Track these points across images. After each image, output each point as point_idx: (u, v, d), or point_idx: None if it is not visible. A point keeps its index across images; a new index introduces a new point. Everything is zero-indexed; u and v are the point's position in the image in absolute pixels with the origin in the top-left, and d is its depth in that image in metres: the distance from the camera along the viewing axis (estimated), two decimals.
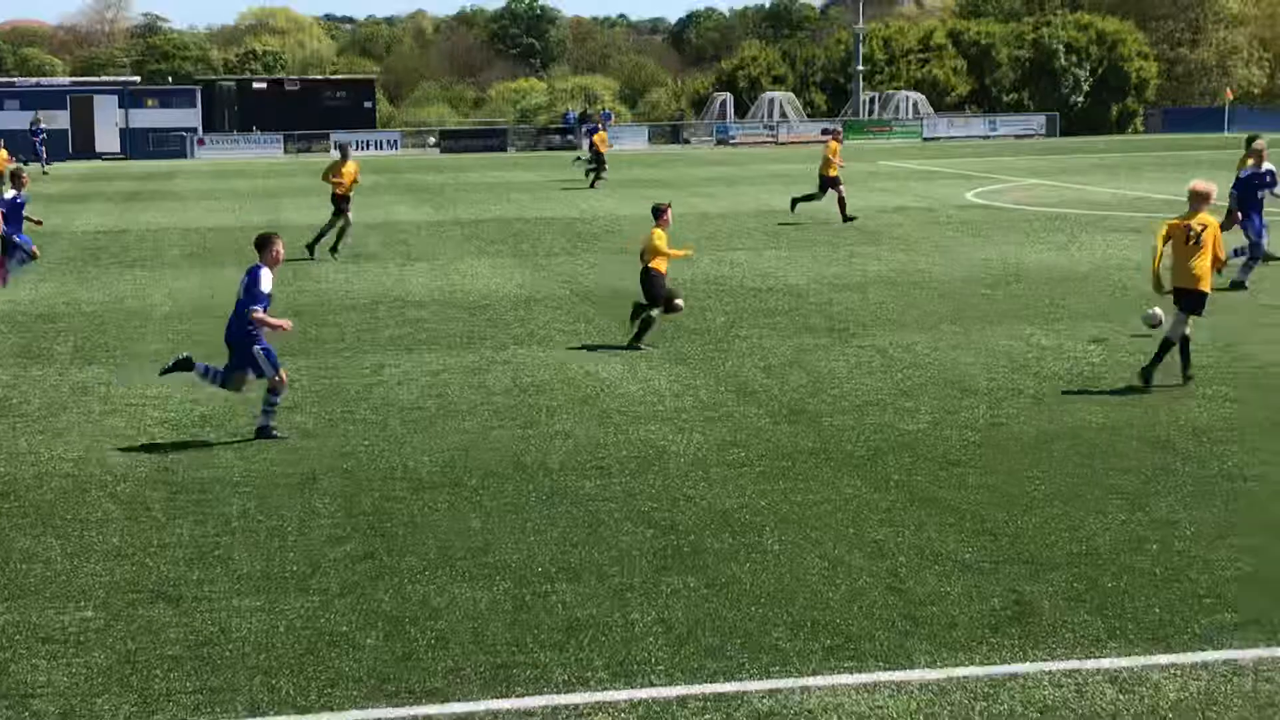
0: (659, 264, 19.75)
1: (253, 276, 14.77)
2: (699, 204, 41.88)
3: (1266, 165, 25.17)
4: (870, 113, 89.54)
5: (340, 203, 30.65)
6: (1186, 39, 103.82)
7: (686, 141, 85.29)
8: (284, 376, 15.04)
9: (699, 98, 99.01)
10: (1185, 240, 16.82)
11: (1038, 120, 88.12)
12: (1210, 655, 9.21)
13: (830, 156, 35.83)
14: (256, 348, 14.81)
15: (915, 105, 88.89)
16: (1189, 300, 16.77)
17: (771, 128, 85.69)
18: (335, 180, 30.73)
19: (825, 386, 17.07)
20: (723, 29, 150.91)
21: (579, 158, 62.29)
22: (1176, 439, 14.40)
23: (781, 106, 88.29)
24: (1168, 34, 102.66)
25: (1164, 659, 9.15)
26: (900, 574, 10.69)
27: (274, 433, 14.99)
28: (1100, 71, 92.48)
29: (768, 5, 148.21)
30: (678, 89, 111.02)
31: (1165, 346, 16.85)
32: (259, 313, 14.69)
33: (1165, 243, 16.91)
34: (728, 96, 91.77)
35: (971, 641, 9.46)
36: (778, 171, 55.56)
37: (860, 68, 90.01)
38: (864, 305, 23.11)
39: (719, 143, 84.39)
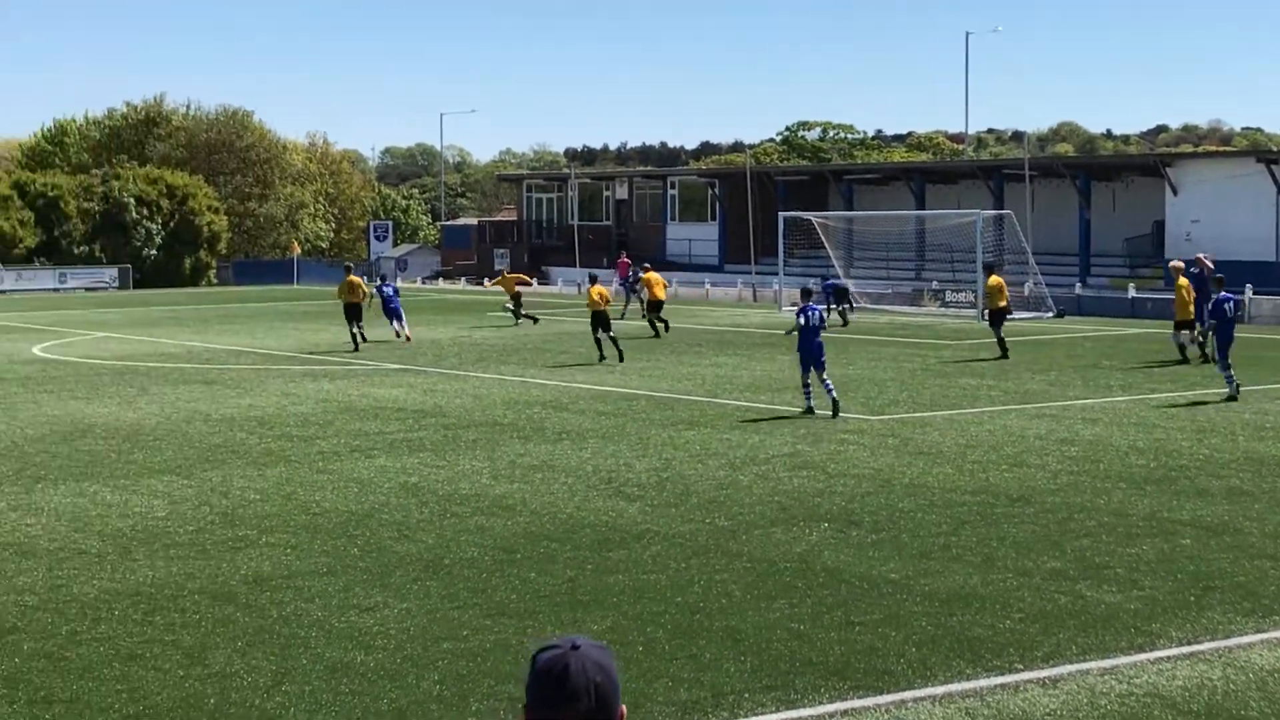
0: None
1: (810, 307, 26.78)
2: None
3: None
4: None
5: None
6: (256, 193, 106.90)
7: None
8: None
9: None
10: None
11: (110, 273, 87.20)
12: None
13: None
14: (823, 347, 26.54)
15: None
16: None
17: None
18: None
19: None
20: None
21: None
22: (239, 590, 14.63)
23: None
24: (236, 188, 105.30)
25: None
26: None
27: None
28: (172, 225, 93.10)
29: None
30: None
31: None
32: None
33: None
34: None
35: None
36: None
37: None
38: None
39: None
